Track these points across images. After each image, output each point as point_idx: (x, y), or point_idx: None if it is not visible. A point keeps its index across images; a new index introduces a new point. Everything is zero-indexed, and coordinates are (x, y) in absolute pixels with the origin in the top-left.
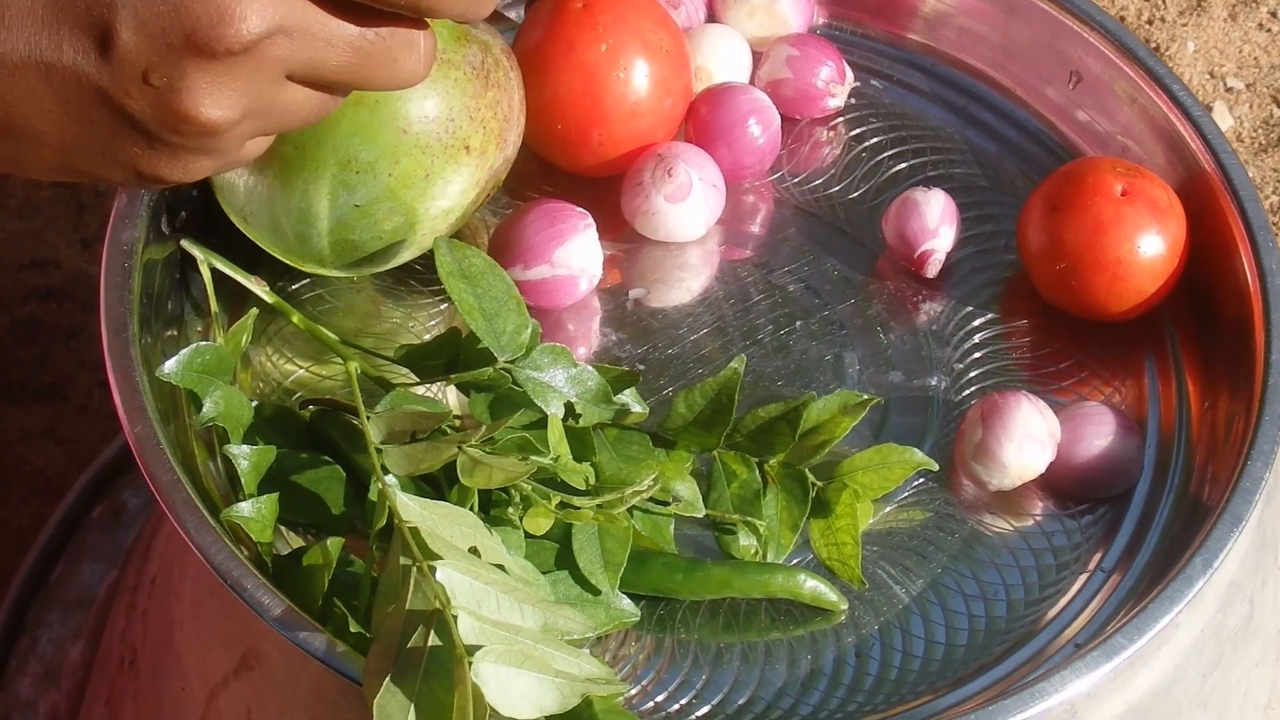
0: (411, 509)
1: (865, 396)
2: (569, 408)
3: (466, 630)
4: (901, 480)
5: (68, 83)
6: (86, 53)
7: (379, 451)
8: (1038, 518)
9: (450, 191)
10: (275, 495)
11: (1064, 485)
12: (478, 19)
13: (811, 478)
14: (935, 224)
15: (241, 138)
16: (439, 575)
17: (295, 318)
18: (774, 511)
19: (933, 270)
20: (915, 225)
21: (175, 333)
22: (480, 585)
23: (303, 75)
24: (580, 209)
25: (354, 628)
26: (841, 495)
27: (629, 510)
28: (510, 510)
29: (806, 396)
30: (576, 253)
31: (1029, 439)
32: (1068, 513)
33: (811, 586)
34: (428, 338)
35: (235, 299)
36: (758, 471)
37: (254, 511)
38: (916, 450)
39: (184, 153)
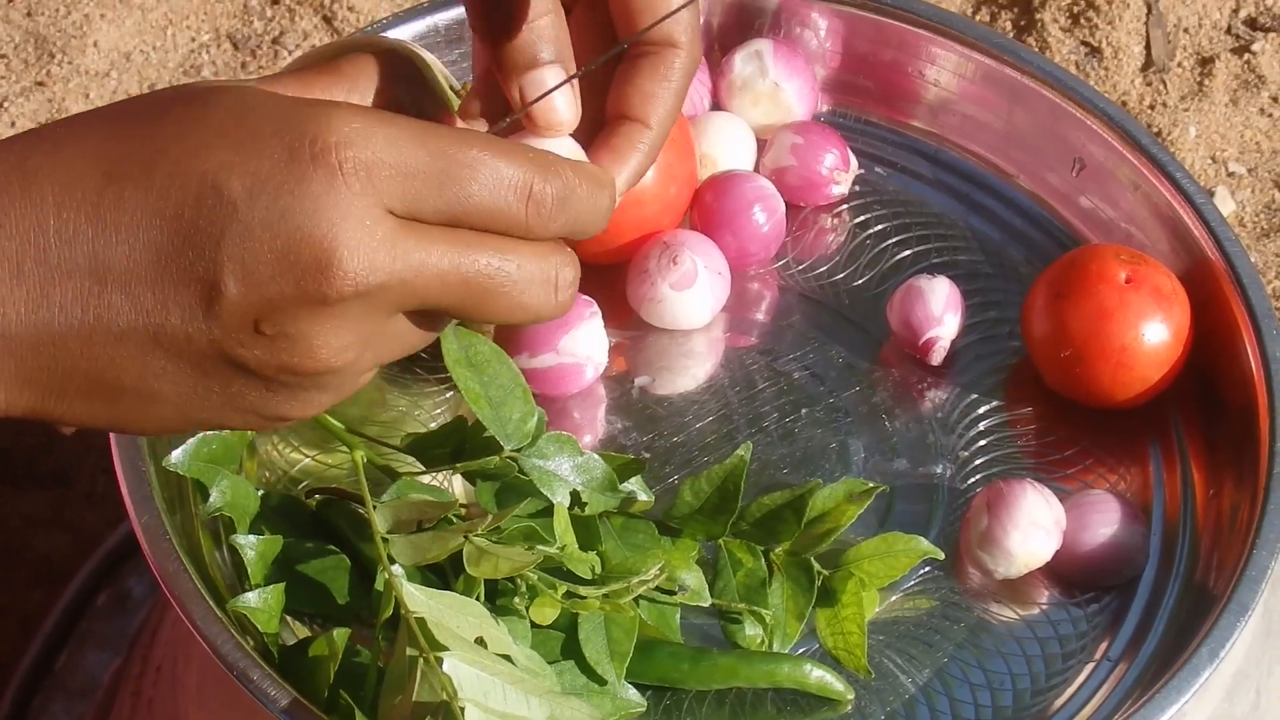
0: (418, 599)
1: (870, 484)
2: (575, 496)
3: None
4: (907, 569)
5: (178, 341)
6: (193, 309)
7: (385, 541)
8: (1044, 606)
9: None
10: (281, 585)
11: (1070, 573)
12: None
13: (817, 566)
14: (940, 312)
15: (360, 371)
16: (446, 666)
17: None
18: (780, 600)
19: (938, 358)
20: (920, 313)
21: None
22: (487, 676)
23: (418, 310)
24: (586, 297)
25: (360, 719)
26: (847, 584)
27: (635, 599)
28: (517, 600)
29: (812, 484)
30: (582, 340)
31: (1034, 527)
32: (1074, 601)
33: (818, 676)
34: (434, 425)
35: None
36: (763, 560)
37: (260, 602)
38: (922, 539)
39: (304, 392)
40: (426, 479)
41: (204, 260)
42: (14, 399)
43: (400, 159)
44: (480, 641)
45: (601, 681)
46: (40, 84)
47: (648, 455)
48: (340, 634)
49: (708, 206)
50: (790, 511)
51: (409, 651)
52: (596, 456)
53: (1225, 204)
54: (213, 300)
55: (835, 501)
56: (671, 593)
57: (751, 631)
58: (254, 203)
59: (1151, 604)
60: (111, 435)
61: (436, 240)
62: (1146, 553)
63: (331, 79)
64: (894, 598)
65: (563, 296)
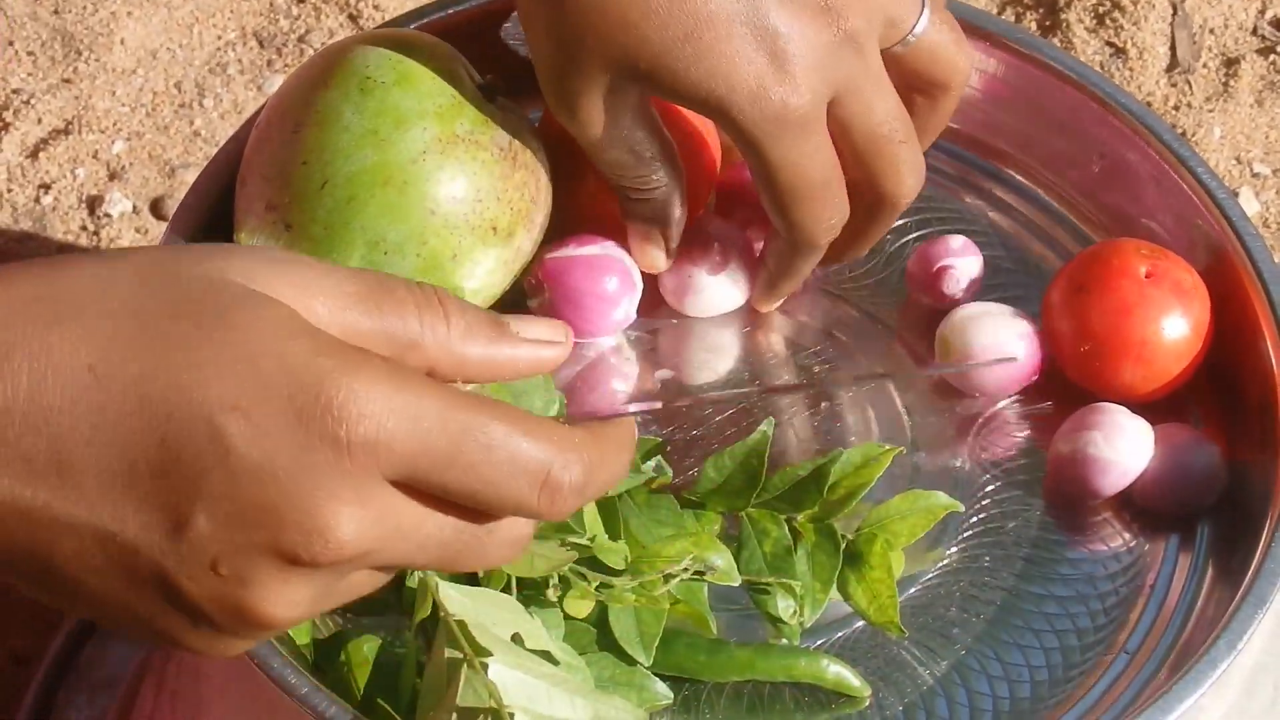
0: (456, 599)
1: (887, 447)
2: None
3: None
4: (930, 525)
5: (124, 553)
6: (153, 530)
7: None
8: (1062, 599)
9: (478, 272)
10: None
11: (1152, 502)
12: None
13: (841, 530)
14: (957, 247)
15: (295, 624)
16: (491, 672)
17: None
18: (806, 567)
19: (950, 286)
20: (937, 249)
21: None
22: (531, 679)
23: (383, 568)
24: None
25: None
26: (874, 545)
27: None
28: (549, 591)
29: (834, 453)
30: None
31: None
32: (1093, 594)
33: (835, 671)
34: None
35: None
36: (786, 529)
37: None
38: (941, 494)
39: (229, 637)
40: None
41: (180, 490)
42: None
43: (412, 438)
44: (516, 638)
45: (631, 662)
46: (67, 81)
47: (669, 449)
48: (370, 645)
49: (731, 192)
50: (812, 480)
51: (448, 653)
52: None
53: (1250, 205)
54: (177, 530)
55: (853, 466)
56: (701, 574)
57: (783, 604)
58: (249, 452)
59: (1169, 596)
60: None
61: (430, 512)
62: (1225, 474)
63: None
64: (912, 590)
65: (514, 551)
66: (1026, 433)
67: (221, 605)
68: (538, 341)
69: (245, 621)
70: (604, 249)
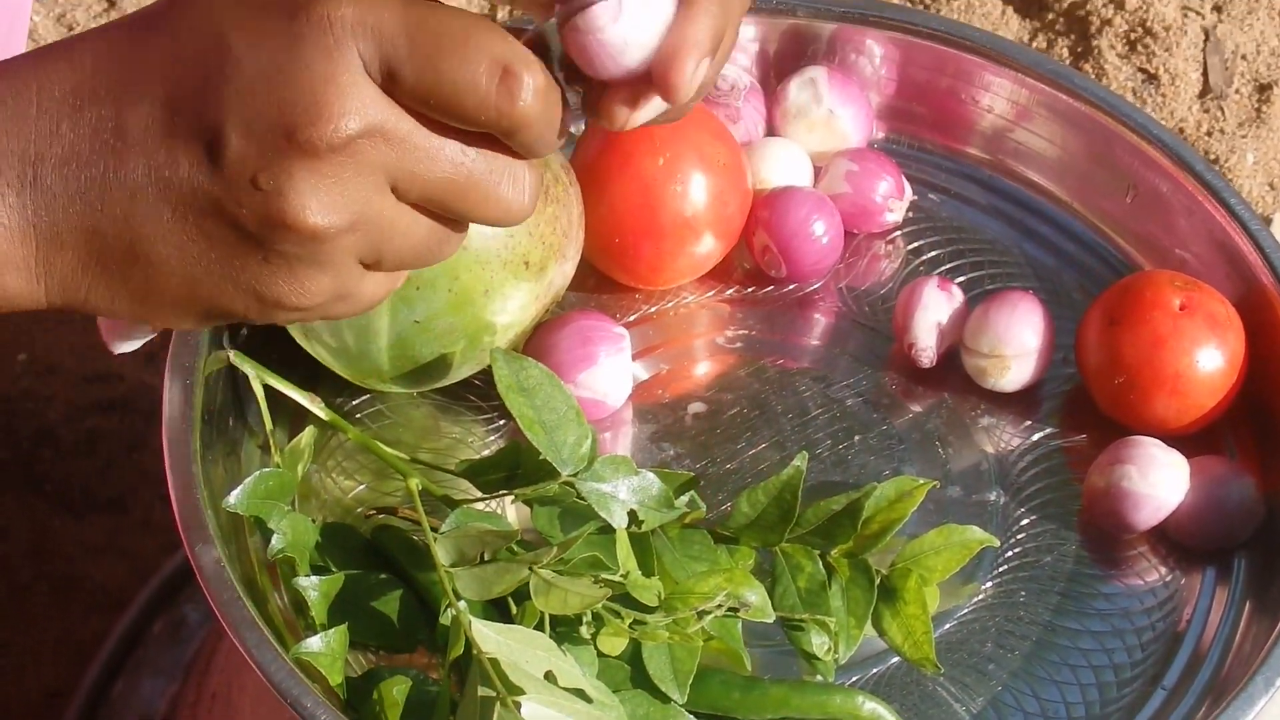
0: (489, 637)
1: (921, 481)
2: (631, 514)
3: None
4: (965, 560)
5: (184, 197)
6: (200, 162)
7: (449, 574)
8: (1099, 634)
9: (510, 307)
10: (344, 627)
11: (1188, 536)
12: (543, 153)
13: (875, 566)
14: (917, 314)
15: (352, 252)
16: (525, 711)
17: (351, 433)
18: (841, 603)
19: (924, 360)
20: (901, 315)
21: (236, 449)
22: (565, 718)
23: (406, 190)
24: (618, 328)
25: None
26: (908, 581)
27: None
28: (582, 628)
29: (868, 487)
30: (603, 378)
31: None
32: (1129, 629)
33: (870, 708)
34: (486, 453)
35: (298, 415)
36: (821, 564)
37: (324, 646)
38: (976, 528)
39: (298, 266)
40: (481, 506)
41: (210, 111)
42: (41, 285)
43: (387, 21)
44: (549, 676)
45: (666, 700)
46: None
47: (702, 484)
48: (400, 688)
49: (765, 220)
50: (846, 515)
51: (482, 691)
52: (651, 475)
53: None
54: (216, 152)
55: (887, 500)
56: (735, 610)
57: (818, 640)
58: (254, 57)
59: (1206, 631)
60: (168, 468)
61: (411, 116)
62: (1262, 508)
63: None
64: (948, 625)
65: (528, 195)
66: (1061, 466)
67: (269, 218)
68: None
69: (294, 231)
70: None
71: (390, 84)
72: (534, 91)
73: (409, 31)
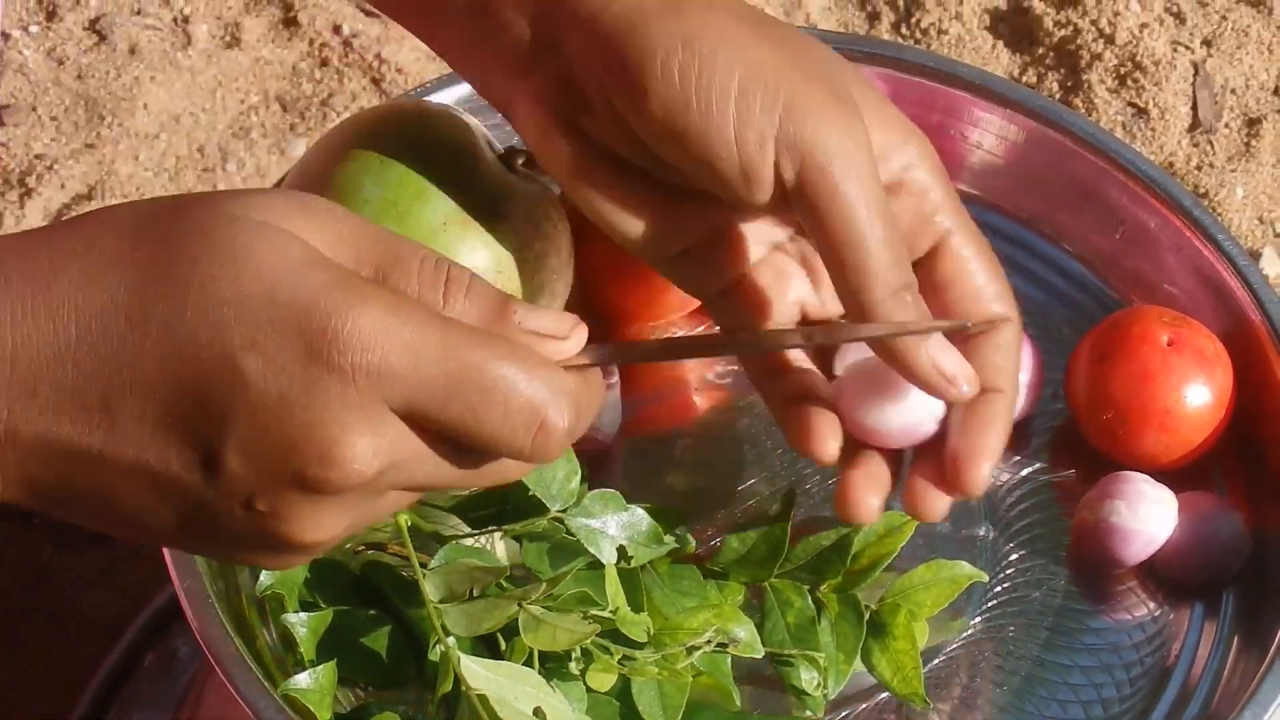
0: (478, 674)
1: (908, 517)
2: (620, 550)
3: None
4: (954, 595)
5: (173, 489)
6: (192, 469)
7: (438, 610)
8: (1087, 668)
9: None
10: (333, 664)
11: (1177, 571)
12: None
13: (865, 601)
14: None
15: (341, 540)
16: None
17: None
18: (830, 638)
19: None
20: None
21: None
22: None
23: (414, 486)
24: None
25: None
26: (897, 616)
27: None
28: (571, 664)
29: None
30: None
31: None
32: (1118, 664)
33: None
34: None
35: None
36: (810, 599)
37: (313, 683)
38: (964, 563)
39: (287, 554)
40: (470, 542)
41: (209, 429)
42: (14, 494)
43: (412, 370)
44: (538, 712)
45: None
46: (90, 146)
47: (691, 519)
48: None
49: None
50: (835, 550)
51: None
52: (640, 510)
53: (1273, 265)
54: (210, 467)
55: (876, 536)
56: (724, 645)
57: (806, 675)
58: (266, 388)
59: (1194, 666)
60: None
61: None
62: (1248, 542)
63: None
64: (937, 660)
65: (530, 468)
66: (1050, 501)
67: (262, 536)
68: (536, 334)
69: (288, 548)
70: None
71: (415, 419)
72: (565, 435)
73: (449, 385)
